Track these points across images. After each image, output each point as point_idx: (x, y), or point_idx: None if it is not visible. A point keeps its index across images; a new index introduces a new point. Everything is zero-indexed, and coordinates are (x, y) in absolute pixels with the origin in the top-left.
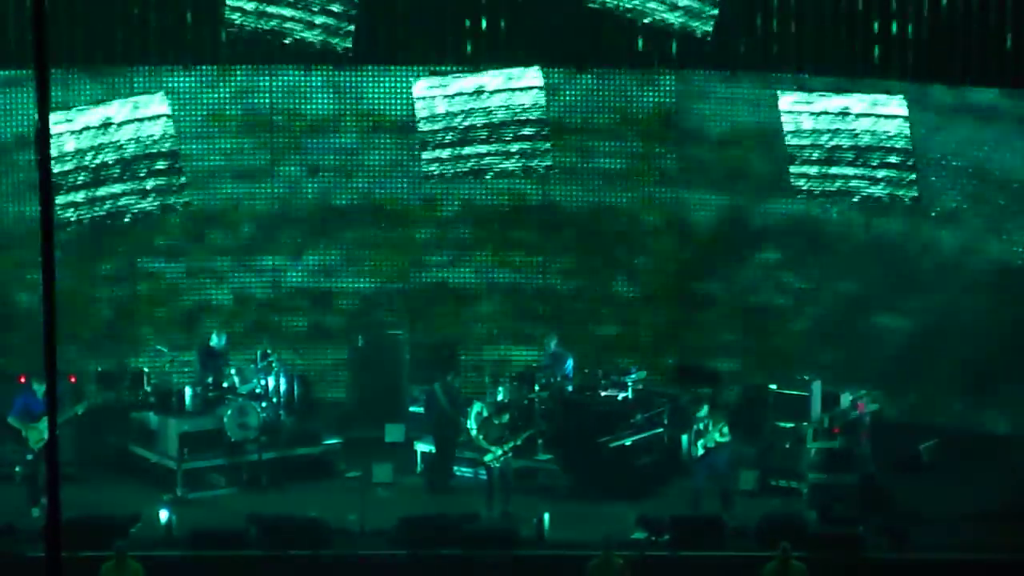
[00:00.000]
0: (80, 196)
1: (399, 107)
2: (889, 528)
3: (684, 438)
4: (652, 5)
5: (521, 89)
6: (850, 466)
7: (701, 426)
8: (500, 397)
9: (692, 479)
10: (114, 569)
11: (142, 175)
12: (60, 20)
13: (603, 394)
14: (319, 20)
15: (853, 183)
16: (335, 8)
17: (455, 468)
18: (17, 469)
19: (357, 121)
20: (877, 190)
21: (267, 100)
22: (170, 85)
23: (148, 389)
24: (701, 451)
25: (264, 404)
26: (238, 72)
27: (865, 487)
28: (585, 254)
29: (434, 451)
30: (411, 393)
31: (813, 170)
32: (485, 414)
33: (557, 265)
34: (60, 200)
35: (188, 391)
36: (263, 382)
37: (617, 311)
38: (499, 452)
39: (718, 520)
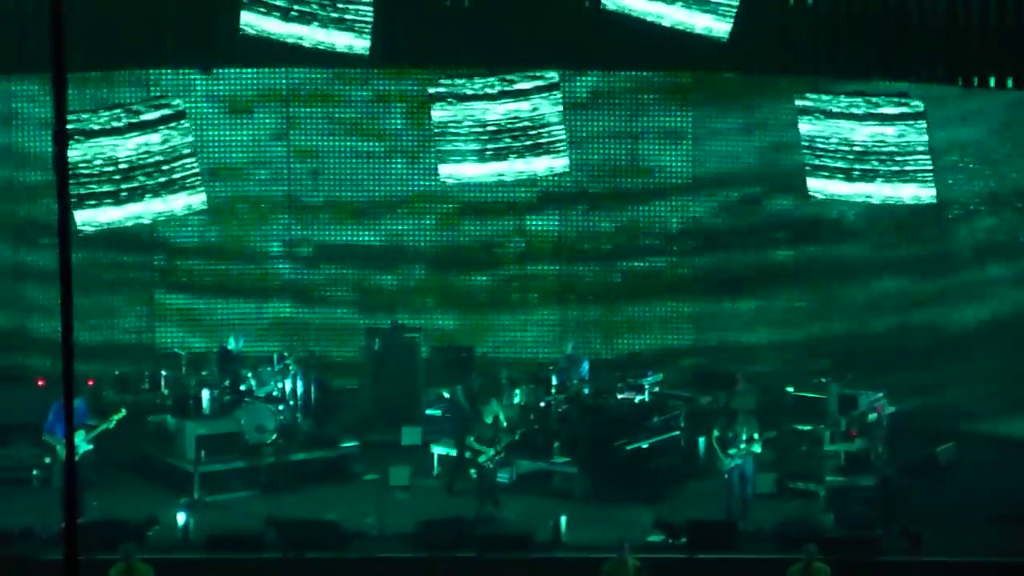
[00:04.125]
0: (98, 200)
1: (415, 110)
2: (906, 531)
3: (701, 441)
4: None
5: (537, 92)
6: (867, 469)
7: (731, 434)
8: (517, 400)
9: (726, 487)
10: (123, 572)
11: (159, 179)
12: (77, 24)
13: (620, 396)
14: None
15: (870, 185)
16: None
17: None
18: (35, 472)
19: (373, 122)
20: (894, 192)
21: (284, 104)
22: (188, 88)
23: (165, 392)
24: (739, 460)
25: (281, 407)
26: (254, 73)
27: (882, 490)
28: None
29: (455, 454)
30: (428, 396)
31: (830, 172)
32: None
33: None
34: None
35: (205, 394)
36: (280, 385)
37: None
38: (491, 452)
39: (734, 524)
